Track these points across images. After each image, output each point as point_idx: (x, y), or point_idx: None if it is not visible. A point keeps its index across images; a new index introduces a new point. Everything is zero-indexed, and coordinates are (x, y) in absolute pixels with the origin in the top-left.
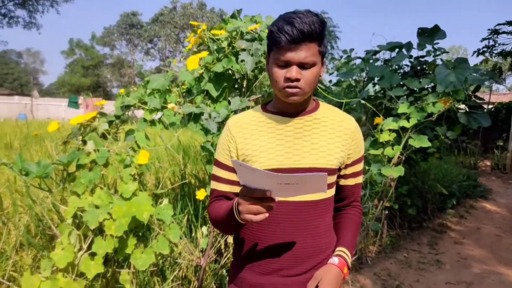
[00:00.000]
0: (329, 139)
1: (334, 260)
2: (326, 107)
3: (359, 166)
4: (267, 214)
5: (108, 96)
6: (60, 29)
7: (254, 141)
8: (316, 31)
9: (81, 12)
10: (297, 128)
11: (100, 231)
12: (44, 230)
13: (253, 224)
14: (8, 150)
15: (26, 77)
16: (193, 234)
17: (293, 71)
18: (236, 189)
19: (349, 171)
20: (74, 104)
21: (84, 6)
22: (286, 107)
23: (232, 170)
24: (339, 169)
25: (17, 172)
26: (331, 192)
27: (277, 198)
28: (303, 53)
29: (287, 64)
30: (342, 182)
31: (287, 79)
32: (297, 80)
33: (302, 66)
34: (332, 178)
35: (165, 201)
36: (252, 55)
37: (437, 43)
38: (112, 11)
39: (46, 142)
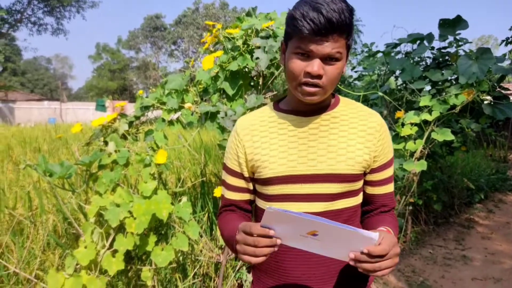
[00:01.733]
0: (349, 140)
1: (383, 229)
2: (347, 103)
3: (389, 172)
4: (267, 256)
5: (134, 98)
6: (87, 34)
7: (264, 145)
8: (346, 21)
9: (107, 17)
10: (312, 128)
11: (121, 229)
12: (69, 230)
13: None
14: (37, 153)
15: (55, 82)
16: (213, 232)
17: (315, 65)
18: (246, 196)
19: (377, 177)
20: (101, 107)
21: (109, 11)
22: (301, 105)
23: (241, 176)
24: (364, 174)
25: (41, 173)
26: (355, 201)
27: (279, 241)
28: (330, 45)
29: (308, 56)
30: (370, 190)
31: (307, 74)
32: (319, 76)
33: (326, 60)
34: (356, 185)
35: (184, 199)
36: (266, 52)
37: (459, 33)
38: (137, 15)
39: (72, 145)
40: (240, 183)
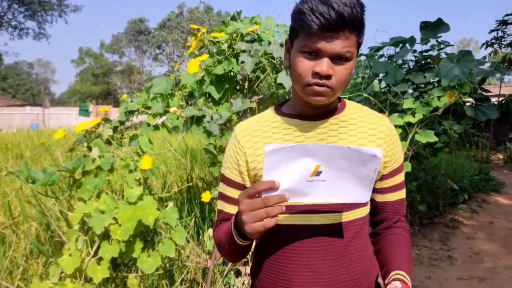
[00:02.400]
0: (360, 144)
1: (396, 285)
2: (354, 107)
3: (400, 177)
4: (278, 218)
5: (118, 103)
6: (70, 39)
7: None
8: (358, 16)
9: (90, 21)
10: (321, 133)
11: (106, 236)
12: (53, 237)
13: (270, 253)
14: (19, 160)
15: (38, 87)
16: (200, 237)
17: (324, 65)
18: None
19: (387, 184)
20: (84, 112)
21: (92, 15)
22: (307, 108)
23: (242, 187)
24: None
25: (24, 180)
26: (365, 210)
27: (287, 197)
28: (340, 43)
29: (317, 55)
30: (380, 198)
31: (316, 74)
32: (328, 77)
33: (336, 59)
34: None
35: (170, 204)
36: (252, 56)
37: (440, 36)
38: (120, 19)
39: (55, 151)
40: None
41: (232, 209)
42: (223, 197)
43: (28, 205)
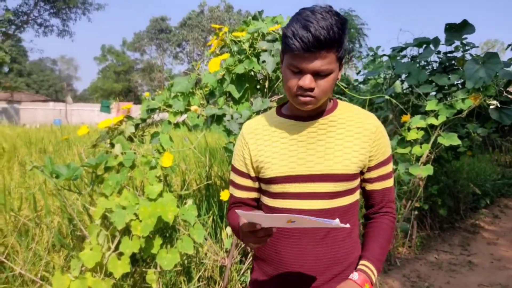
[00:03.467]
0: (346, 142)
1: (354, 275)
2: (344, 107)
3: (387, 168)
4: (266, 240)
5: (139, 100)
6: (93, 36)
7: (267, 147)
8: (334, 36)
9: (112, 19)
10: (311, 132)
11: (127, 231)
12: (74, 231)
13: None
14: (42, 154)
15: (61, 84)
16: (218, 235)
17: (307, 80)
18: (253, 194)
19: (374, 174)
20: (106, 108)
21: (115, 13)
22: (300, 110)
23: (247, 176)
24: (362, 172)
25: (48, 175)
26: (352, 198)
27: (274, 229)
28: (319, 62)
29: (300, 71)
30: (369, 186)
31: (300, 88)
32: (311, 89)
33: (317, 75)
34: (352, 184)
35: (189, 202)
36: (273, 55)
37: (466, 38)
38: (142, 17)
39: (78, 146)
40: (247, 182)
41: (239, 194)
42: (233, 183)
43: (51, 199)
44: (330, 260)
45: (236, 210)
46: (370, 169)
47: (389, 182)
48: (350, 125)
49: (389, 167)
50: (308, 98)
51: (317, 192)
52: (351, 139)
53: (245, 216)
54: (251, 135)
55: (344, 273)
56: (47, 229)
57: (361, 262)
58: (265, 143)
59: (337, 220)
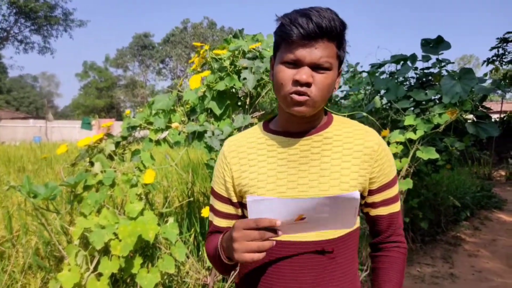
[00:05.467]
0: (343, 162)
1: None
2: (341, 122)
3: (392, 191)
4: (265, 253)
5: (121, 116)
6: (75, 53)
7: (252, 168)
8: (336, 28)
9: (95, 35)
10: (304, 151)
11: (106, 251)
12: (52, 252)
13: (252, 271)
14: (21, 173)
15: (42, 100)
16: (200, 253)
17: (304, 73)
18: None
19: (377, 198)
20: (87, 125)
21: (97, 30)
22: (291, 124)
23: (228, 202)
24: (362, 196)
25: (25, 195)
26: (355, 225)
27: (280, 233)
28: (318, 52)
29: (296, 64)
30: (373, 212)
31: (296, 82)
32: (308, 84)
33: (316, 68)
34: None
35: (171, 220)
36: (253, 73)
37: (442, 53)
38: (125, 33)
39: (57, 165)
40: (229, 209)
41: (219, 222)
42: (212, 209)
43: (29, 219)
44: None
45: (248, 198)
46: (372, 192)
47: (396, 206)
48: (348, 142)
49: (395, 190)
50: (303, 97)
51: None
52: (349, 158)
53: (255, 205)
54: (233, 154)
55: None
56: (24, 250)
57: None
58: (249, 163)
59: (357, 192)
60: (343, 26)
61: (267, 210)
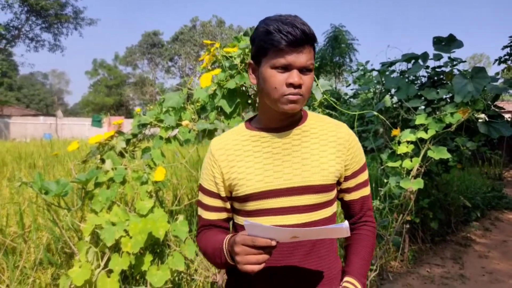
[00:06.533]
0: (321, 151)
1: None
2: (314, 117)
3: (363, 176)
4: (264, 264)
5: (130, 114)
6: (84, 50)
7: (239, 163)
8: (313, 34)
9: (104, 33)
10: (286, 143)
11: (117, 248)
12: (63, 248)
13: None
14: (32, 170)
15: (52, 98)
16: None
17: (296, 76)
18: (224, 215)
19: (351, 183)
20: (97, 123)
21: (107, 27)
22: (273, 121)
23: (217, 196)
24: (339, 183)
25: (37, 191)
26: (332, 210)
27: (274, 243)
28: (305, 56)
29: (286, 68)
30: (347, 197)
31: (290, 85)
32: (299, 86)
33: (302, 71)
34: (331, 195)
35: (181, 217)
36: None
37: (454, 51)
38: (134, 32)
39: (68, 162)
40: (217, 203)
41: (209, 216)
42: (201, 205)
43: (40, 215)
44: (315, 275)
45: (244, 222)
46: (346, 178)
47: (367, 190)
48: (324, 134)
49: (365, 175)
50: (297, 97)
51: (296, 205)
52: (325, 148)
53: (251, 228)
54: (220, 152)
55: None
56: (35, 246)
57: (346, 278)
58: (237, 158)
59: (346, 223)
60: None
61: (263, 234)
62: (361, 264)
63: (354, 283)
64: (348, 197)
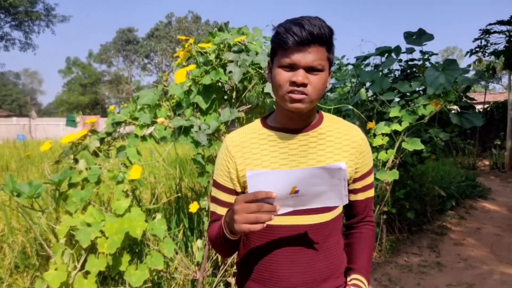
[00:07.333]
0: (335, 154)
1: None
2: (330, 119)
3: (369, 179)
4: (265, 224)
5: (106, 113)
6: (57, 49)
7: (256, 161)
8: (325, 35)
9: (77, 31)
10: (302, 145)
11: (93, 249)
12: (39, 251)
13: (257, 249)
14: (5, 172)
15: (24, 98)
16: (189, 248)
17: (300, 75)
18: None
19: (358, 185)
20: (72, 122)
21: (80, 25)
22: (289, 121)
23: (233, 192)
24: (347, 184)
25: (9, 193)
26: (339, 210)
27: (278, 207)
28: (312, 56)
29: (293, 67)
30: (352, 197)
31: (293, 83)
32: (304, 85)
33: (310, 70)
34: None
35: (159, 216)
36: (239, 66)
37: (425, 44)
38: (108, 28)
39: (41, 163)
40: (232, 199)
41: (223, 211)
42: (215, 200)
43: (15, 218)
44: (325, 270)
45: (247, 172)
46: (355, 180)
47: (371, 192)
48: (339, 137)
49: (372, 177)
50: (301, 95)
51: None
52: (340, 151)
53: (253, 178)
54: (237, 148)
55: (339, 283)
56: (10, 250)
57: (353, 276)
58: (253, 156)
59: (343, 163)
60: (331, 32)
61: (265, 183)
62: (367, 262)
63: (362, 280)
64: (354, 197)
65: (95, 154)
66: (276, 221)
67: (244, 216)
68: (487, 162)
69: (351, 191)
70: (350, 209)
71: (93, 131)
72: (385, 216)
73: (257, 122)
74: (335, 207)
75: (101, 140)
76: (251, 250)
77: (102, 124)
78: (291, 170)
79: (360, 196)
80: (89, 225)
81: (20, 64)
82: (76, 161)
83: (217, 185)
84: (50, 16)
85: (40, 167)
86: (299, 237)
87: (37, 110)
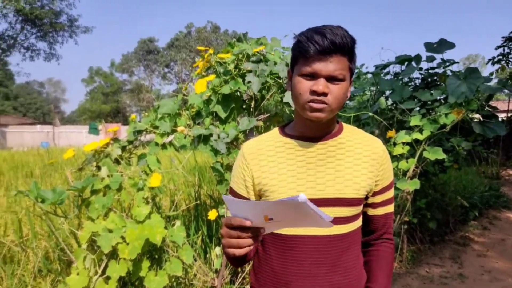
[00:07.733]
0: (355, 165)
1: None
2: (350, 130)
3: (389, 193)
4: (251, 247)
5: (127, 121)
6: (80, 58)
7: (272, 169)
8: (347, 44)
9: (100, 41)
10: (320, 154)
11: (114, 254)
12: (61, 256)
13: (272, 259)
14: (29, 178)
15: (48, 106)
16: (207, 255)
17: (321, 84)
18: None
19: (378, 199)
20: (94, 130)
21: (102, 35)
22: (308, 130)
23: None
24: (366, 197)
25: (33, 199)
26: (358, 223)
27: (263, 231)
28: (333, 65)
29: (313, 76)
30: (371, 212)
31: (313, 92)
32: (324, 94)
33: (331, 80)
34: (360, 209)
35: (178, 223)
36: (258, 76)
37: (445, 52)
38: (130, 39)
39: (65, 170)
40: None
41: None
42: None
43: (38, 224)
44: (343, 286)
45: (223, 196)
46: (375, 193)
47: (391, 207)
48: (359, 148)
49: (392, 192)
50: (321, 105)
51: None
52: (359, 162)
53: (229, 204)
54: (253, 156)
55: None
56: (33, 254)
57: None
58: (269, 164)
59: (302, 195)
60: (353, 41)
61: (241, 208)
62: (387, 282)
63: None
64: (373, 212)
65: (117, 161)
66: (292, 231)
67: (227, 241)
68: (511, 172)
69: (369, 205)
70: (368, 224)
71: (115, 139)
72: (406, 226)
73: (275, 130)
74: (355, 219)
75: (123, 148)
76: (266, 260)
77: (124, 132)
78: (256, 202)
79: (380, 211)
80: (110, 231)
81: (44, 74)
82: (98, 168)
83: (233, 193)
84: (73, 27)
85: (63, 174)
86: (316, 249)
87: (60, 118)
